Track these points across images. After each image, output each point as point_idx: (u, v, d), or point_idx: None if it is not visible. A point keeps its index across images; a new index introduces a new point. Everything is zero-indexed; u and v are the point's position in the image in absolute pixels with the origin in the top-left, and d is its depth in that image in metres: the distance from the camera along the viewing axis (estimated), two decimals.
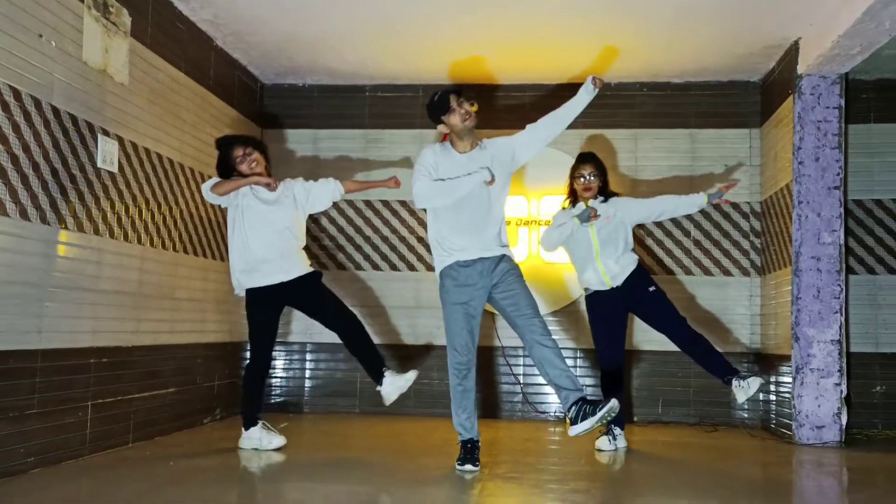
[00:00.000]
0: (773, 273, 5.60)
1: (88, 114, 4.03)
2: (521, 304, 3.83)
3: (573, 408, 3.69)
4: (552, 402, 6.05)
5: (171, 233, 4.89)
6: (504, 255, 3.93)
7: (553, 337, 3.87)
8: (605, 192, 4.73)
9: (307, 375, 6.24)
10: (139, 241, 4.51)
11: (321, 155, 6.34)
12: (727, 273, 5.98)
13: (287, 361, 6.24)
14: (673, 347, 4.84)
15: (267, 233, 4.32)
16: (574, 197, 4.76)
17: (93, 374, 4.06)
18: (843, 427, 4.99)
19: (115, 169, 4.26)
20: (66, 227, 3.84)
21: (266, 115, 6.37)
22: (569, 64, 5.85)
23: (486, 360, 6.04)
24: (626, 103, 6.15)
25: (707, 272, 5.99)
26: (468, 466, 3.85)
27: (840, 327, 5.03)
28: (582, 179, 4.70)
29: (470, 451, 3.91)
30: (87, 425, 4.02)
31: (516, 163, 4.03)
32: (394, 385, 4.34)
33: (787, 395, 5.23)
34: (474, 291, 3.85)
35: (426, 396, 6.03)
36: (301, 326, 6.21)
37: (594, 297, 4.69)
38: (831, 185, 5.09)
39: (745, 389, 4.45)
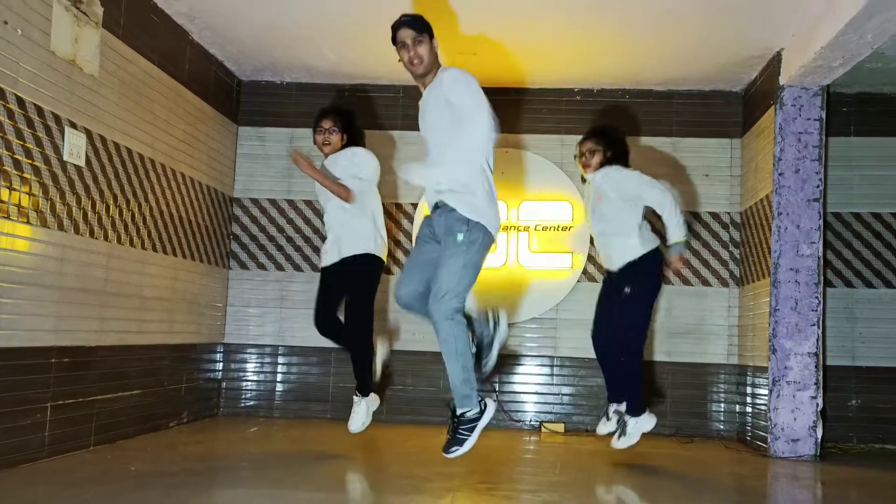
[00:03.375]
0: (752, 284, 5.58)
1: (55, 105, 3.89)
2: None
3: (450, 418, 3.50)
4: (528, 410, 5.98)
5: (140, 230, 4.75)
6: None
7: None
8: (614, 162, 4.43)
9: (279, 379, 6.11)
10: (106, 238, 4.38)
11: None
12: (706, 283, 5.95)
13: (258, 364, 6.11)
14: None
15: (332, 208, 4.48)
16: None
17: (53, 375, 3.92)
18: (819, 440, 4.97)
19: (81, 163, 4.12)
20: (28, 222, 3.71)
21: (243, 112, 6.25)
22: (549, 68, 5.80)
23: None
24: (608, 109, 6.11)
25: (686, 282, 5.95)
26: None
27: (817, 340, 5.01)
28: (578, 157, 4.57)
29: None
30: (46, 427, 3.88)
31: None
32: (358, 416, 4.41)
33: (763, 408, 5.19)
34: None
35: (400, 403, 5.93)
36: (273, 328, 6.09)
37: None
38: (811, 196, 5.07)
39: (628, 438, 4.30)
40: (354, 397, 4.45)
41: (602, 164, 4.41)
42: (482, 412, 3.40)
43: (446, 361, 3.36)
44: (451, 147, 3.36)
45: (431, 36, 3.46)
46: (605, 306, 4.47)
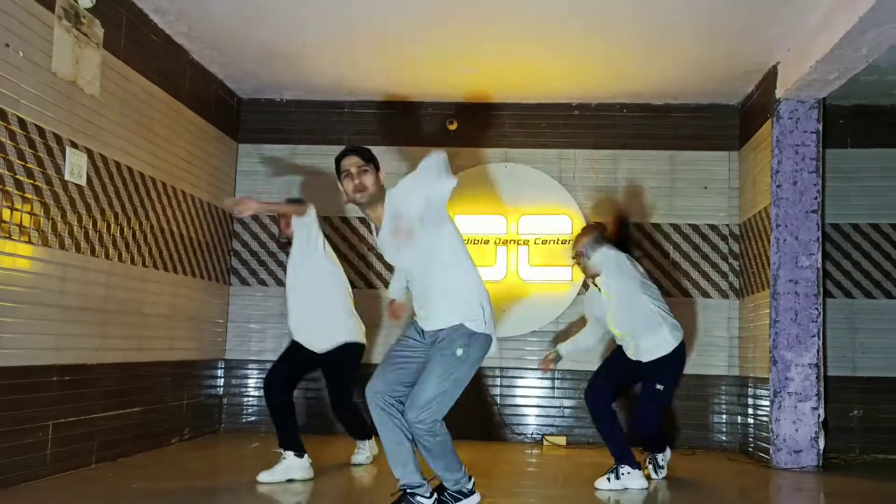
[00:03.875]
0: (752, 296, 5.59)
1: (56, 125, 3.93)
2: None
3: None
4: (529, 423, 5.97)
5: (141, 248, 4.78)
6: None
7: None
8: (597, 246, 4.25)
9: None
10: (106, 256, 4.40)
11: (298, 171, 6.26)
12: (706, 295, 5.96)
13: (260, 380, 6.11)
14: None
15: None
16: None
17: (55, 393, 3.93)
18: (821, 451, 4.96)
19: (83, 182, 4.15)
20: (30, 241, 3.73)
21: (243, 129, 6.29)
22: (547, 83, 5.83)
23: None
24: (606, 124, 6.14)
25: (685, 294, 5.96)
26: None
27: (818, 351, 5.01)
28: (574, 258, 4.37)
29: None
30: (48, 445, 3.89)
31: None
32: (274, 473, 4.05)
33: (764, 419, 5.19)
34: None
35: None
36: (274, 344, 6.09)
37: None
38: (809, 208, 5.09)
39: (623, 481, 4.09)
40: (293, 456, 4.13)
41: (592, 269, 4.23)
42: (473, 491, 3.26)
43: (430, 462, 3.19)
44: (433, 264, 3.17)
45: (377, 167, 3.27)
46: (615, 374, 4.32)
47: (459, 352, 3.09)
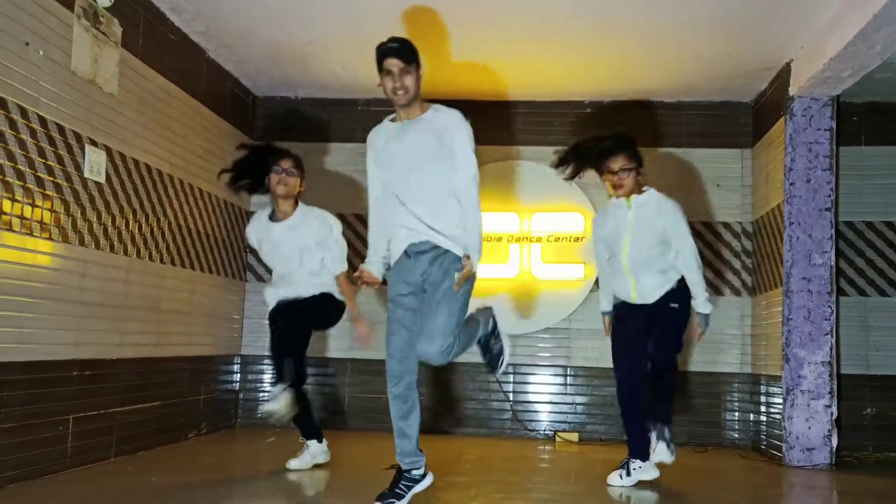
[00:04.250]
0: (765, 293, 5.59)
1: (76, 123, 3.99)
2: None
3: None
4: (542, 419, 6.00)
5: (159, 244, 4.84)
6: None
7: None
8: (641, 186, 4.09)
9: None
10: (125, 253, 4.46)
11: (312, 168, 6.29)
12: (718, 293, 5.96)
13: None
14: None
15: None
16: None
17: (75, 387, 4.00)
18: (834, 449, 4.96)
19: (102, 179, 4.21)
20: (50, 238, 3.79)
21: (258, 127, 6.34)
22: (562, 81, 5.85)
23: (475, 375, 6.00)
24: (618, 121, 6.14)
25: None
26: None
27: (831, 349, 5.01)
28: (616, 178, 4.02)
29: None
30: (68, 439, 3.95)
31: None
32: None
33: (777, 417, 5.20)
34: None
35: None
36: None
37: (619, 306, 4.22)
38: (822, 206, 5.08)
39: (660, 453, 4.00)
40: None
41: (635, 186, 4.06)
42: (424, 476, 3.39)
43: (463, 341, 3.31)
44: (440, 185, 3.25)
45: (419, 65, 3.28)
46: (634, 334, 4.10)
47: (456, 276, 3.20)
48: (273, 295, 4.25)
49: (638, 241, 4.07)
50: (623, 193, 4.08)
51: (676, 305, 4.10)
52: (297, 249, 4.17)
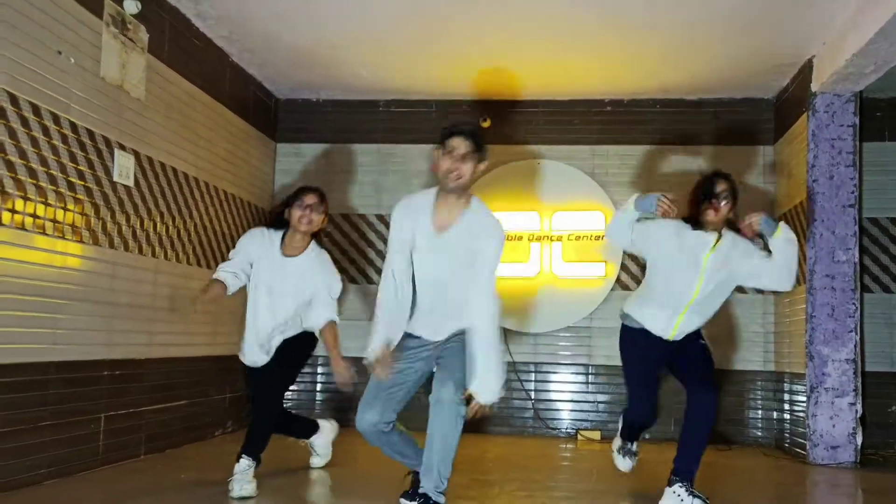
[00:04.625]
0: (788, 291, 5.56)
1: (105, 128, 4.07)
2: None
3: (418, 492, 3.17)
4: (564, 418, 6.02)
5: (185, 246, 4.92)
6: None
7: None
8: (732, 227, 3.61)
9: (318, 388, 6.25)
10: (153, 255, 4.55)
11: (334, 168, 6.37)
12: (741, 290, 5.94)
13: (299, 374, 6.23)
14: None
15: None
16: (694, 221, 3.57)
17: (106, 387, 4.09)
18: (859, 447, 4.94)
19: (130, 183, 4.30)
20: (81, 241, 3.88)
21: (281, 129, 6.42)
22: (582, 80, 5.86)
23: None
24: (639, 119, 6.15)
25: None
26: None
27: (855, 346, 4.98)
28: (714, 201, 3.48)
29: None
30: (100, 437, 4.05)
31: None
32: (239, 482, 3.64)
33: (801, 415, 5.18)
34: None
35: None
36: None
37: (637, 333, 3.71)
38: (846, 202, 5.06)
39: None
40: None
41: (727, 220, 3.59)
42: None
43: (435, 455, 3.08)
44: (465, 292, 3.10)
45: (482, 159, 3.10)
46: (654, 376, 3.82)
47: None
48: (252, 351, 3.92)
49: (713, 281, 3.57)
50: (717, 221, 3.54)
51: (705, 342, 3.76)
52: (303, 288, 3.83)
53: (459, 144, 3.05)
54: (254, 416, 3.93)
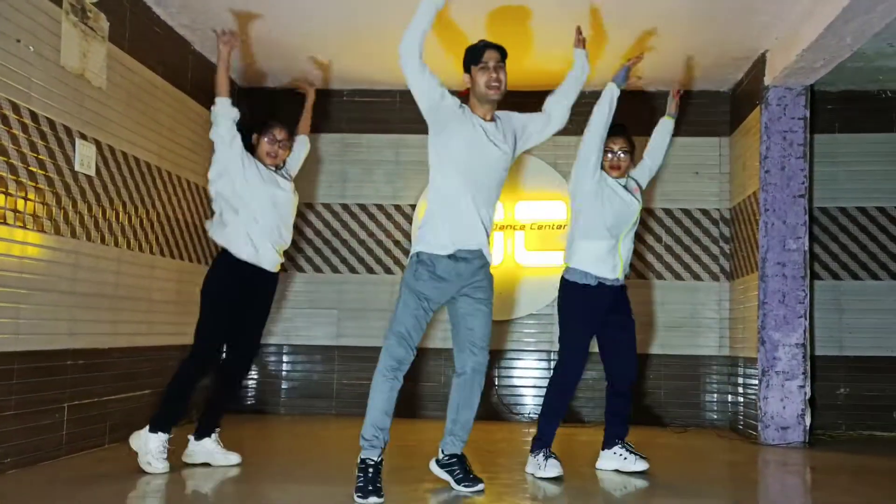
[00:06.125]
0: (741, 278, 5.74)
1: (66, 118, 4.05)
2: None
3: (452, 462, 3.51)
4: (527, 403, 6.14)
5: (148, 235, 4.91)
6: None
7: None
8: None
9: (283, 376, 6.28)
10: (116, 244, 4.54)
11: None
12: (697, 278, 6.12)
13: (263, 363, 6.27)
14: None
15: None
16: None
17: (69, 376, 4.09)
18: (808, 428, 5.14)
19: (92, 172, 4.28)
20: (42, 230, 3.87)
21: (243, 118, 6.38)
22: (541, 70, 5.94)
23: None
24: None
25: (678, 277, 6.12)
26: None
27: (805, 331, 5.17)
28: (610, 155, 4.05)
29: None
30: (64, 426, 4.04)
31: (524, 143, 3.61)
32: (207, 452, 3.97)
33: (753, 397, 5.36)
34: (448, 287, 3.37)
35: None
36: (278, 328, 6.24)
37: (588, 290, 3.97)
38: (796, 193, 5.23)
39: (627, 462, 4.00)
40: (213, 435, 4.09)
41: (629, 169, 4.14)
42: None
43: (474, 401, 3.50)
44: (497, 191, 3.47)
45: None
46: (611, 341, 4.13)
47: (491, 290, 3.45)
48: (266, 248, 3.88)
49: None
50: (620, 174, 4.14)
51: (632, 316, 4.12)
52: (291, 216, 4.01)
53: (491, 57, 3.28)
54: (234, 365, 4.18)
